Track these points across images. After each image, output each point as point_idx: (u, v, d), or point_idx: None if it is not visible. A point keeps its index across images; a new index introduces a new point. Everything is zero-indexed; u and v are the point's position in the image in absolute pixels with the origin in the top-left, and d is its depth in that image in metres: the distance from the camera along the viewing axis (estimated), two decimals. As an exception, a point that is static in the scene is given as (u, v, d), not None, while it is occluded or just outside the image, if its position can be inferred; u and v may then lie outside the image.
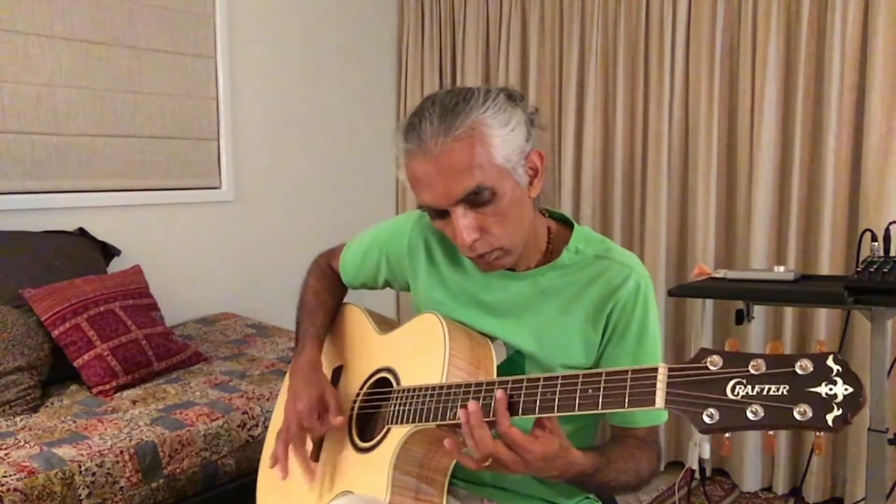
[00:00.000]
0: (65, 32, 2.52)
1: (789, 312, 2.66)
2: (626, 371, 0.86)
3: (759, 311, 2.64)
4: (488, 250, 1.06)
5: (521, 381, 0.95)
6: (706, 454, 2.29)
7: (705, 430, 0.77)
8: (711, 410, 0.76)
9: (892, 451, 1.90)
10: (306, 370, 1.28)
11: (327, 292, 1.43)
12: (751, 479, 2.76)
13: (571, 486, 1.07)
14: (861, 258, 1.95)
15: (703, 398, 0.78)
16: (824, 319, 2.57)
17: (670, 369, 0.82)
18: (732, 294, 2.06)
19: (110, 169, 2.66)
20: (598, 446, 1.11)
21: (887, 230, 1.93)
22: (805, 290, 1.99)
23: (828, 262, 2.54)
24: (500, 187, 1.03)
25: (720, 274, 2.12)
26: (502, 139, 1.02)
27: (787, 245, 2.66)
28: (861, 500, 2.41)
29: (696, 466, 2.32)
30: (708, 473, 2.74)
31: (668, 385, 0.81)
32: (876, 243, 1.93)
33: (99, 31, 2.60)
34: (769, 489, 2.77)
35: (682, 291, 2.08)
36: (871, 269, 1.76)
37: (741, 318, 2.07)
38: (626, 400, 0.85)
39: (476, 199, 1.02)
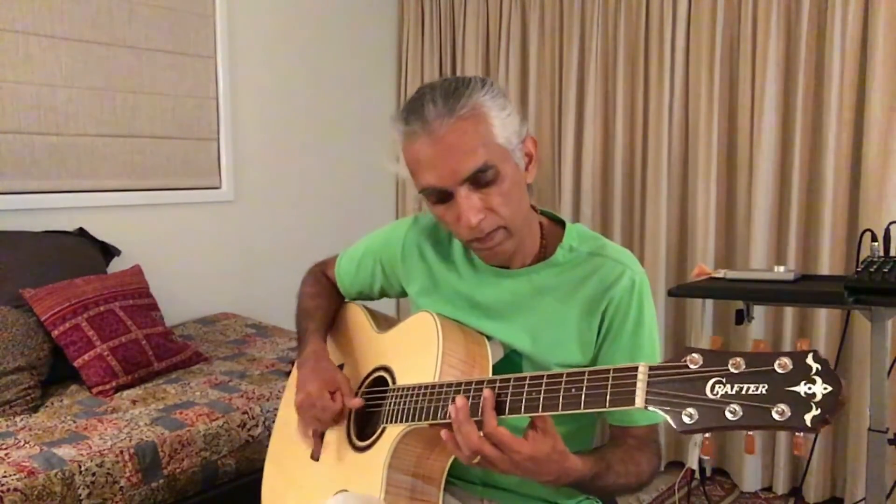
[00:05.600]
0: (65, 32, 2.52)
1: (789, 312, 2.66)
2: (608, 370, 0.86)
3: (759, 311, 2.64)
4: (494, 228, 1.06)
5: (509, 380, 0.95)
6: (706, 454, 2.29)
7: (684, 430, 0.76)
8: (690, 410, 0.75)
9: (892, 451, 1.90)
10: (312, 360, 1.26)
11: (323, 296, 1.42)
12: (751, 479, 2.76)
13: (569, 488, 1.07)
14: (861, 258, 1.95)
15: (682, 397, 0.77)
16: (824, 319, 2.57)
17: (651, 368, 0.81)
18: (732, 294, 2.05)
19: (110, 169, 2.66)
20: (598, 449, 1.10)
21: (887, 230, 1.92)
22: (805, 290, 1.99)
23: (828, 262, 2.54)
24: (503, 167, 1.04)
25: (720, 274, 2.12)
26: (502, 121, 1.04)
27: (787, 245, 2.66)
28: (861, 500, 2.41)
29: (696, 466, 2.33)
30: (708, 473, 2.74)
31: (649, 384, 0.80)
32: (876, 243, 1.92)
33: (99, 31, 2.60)
34: (769, 489, 2.77)
35: (682, 291, 2.08)
36: (871, 269, 1.75)
37: (741, 318, 2.07)
38: (608, 399, 0.84)
39: (481, 179, 1.03)
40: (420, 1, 3.63)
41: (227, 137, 3.00)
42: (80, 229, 2.53)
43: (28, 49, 2.44)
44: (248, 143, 3.11)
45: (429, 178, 1.05)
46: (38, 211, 2.46)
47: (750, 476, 2.76)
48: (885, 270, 1.73)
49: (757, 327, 2.69)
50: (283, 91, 3.24)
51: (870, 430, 1.86)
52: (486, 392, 0.93)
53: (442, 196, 1.06)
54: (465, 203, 1.03)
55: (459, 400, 0.94)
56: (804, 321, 2.66)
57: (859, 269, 1.79)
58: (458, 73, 3.55)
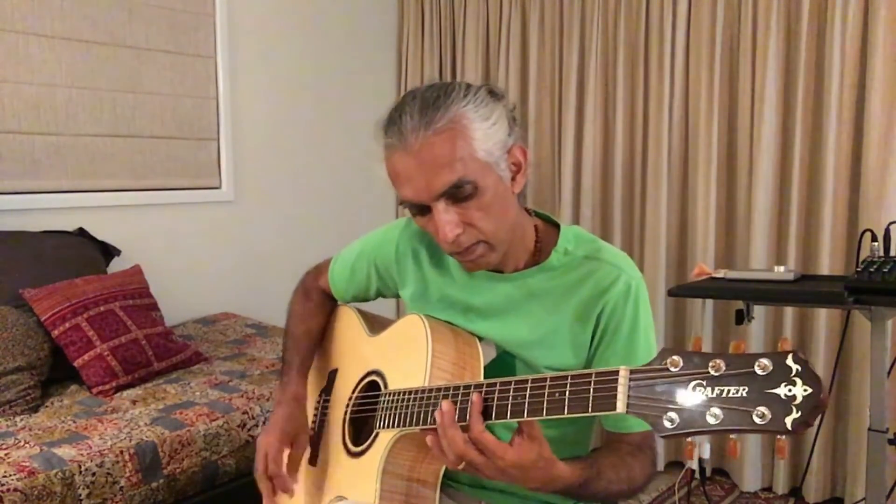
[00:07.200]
0: (65, 32, 2.52)
1: (789, 312, 2.66)
2: (590, 374, 0.84)
3: (759, 311, 2.64)
4: (473, 242, 1.04)
5: (495, 384, 0.94)
6: (706, 454, 2.29)
7: (666, 434, 0.74)
8: (672, 414, 0.74)
9: (892, 451, 1.90)
10: (292, 405, 1.30)
11: (311, 316, 1.42)
12: (751, 479, 2.76)
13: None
14: (861, 258, 1.95)
15: (663, 401, 0.75)
16: (824, 319, 2.57)
17: (632, 371, 0.80)
18: (732, 294, 2.05)
19: (110, 169, 2.66)
20: (589, 455, 1.07)
21: (887, 230, 1.92)
22: (805, 290, 1.99)
23: (828, 262, 2.54)
24: (483, 181, 1.01)
25: (720, 274, 2.11)
26: (484, 133, 1.01)
27: (787, 245, 2.66)
28: (861, 500, 2.41)
29: (696, 466, 2.33)
30: (708, 473, 2.74)
31: (630, 388, 0.79)
32: (876, 243, 1.92)
33: (99, 31, 2.60)
34: (769, 489, 2.77)
35: (682, 291, 2.08)
36: (871, 269, 1.75)
37: (741, 318, 2.07)
38: (590, 404, 0.82)
39: (458, 194, 1.00)
40: (420, 1, 3.63)
41: (227, 137, 3.00)
42: (80, 229, 2.53)
43: (28, 49, 2.44)
44: (248, 143, 3.11)
45: (406, 192, 1.03)
46: (38, 211, 2.46)
47: (750, 476, 2.76)
48: (885, 270, 1.73)
49: (757, 327, 2.70)
50: (283, 91, 3.24)
51: (870, 430, 1.86)
52: (475, 397, 0.92)
53: (421, 209, 1.04)
54: (441, 218, 1.01)
55: (445, 405, 0.94)
56: (804, 321, 2.66)
57: (859, 269, 1.79)
58: (458, 73, 3.55)
